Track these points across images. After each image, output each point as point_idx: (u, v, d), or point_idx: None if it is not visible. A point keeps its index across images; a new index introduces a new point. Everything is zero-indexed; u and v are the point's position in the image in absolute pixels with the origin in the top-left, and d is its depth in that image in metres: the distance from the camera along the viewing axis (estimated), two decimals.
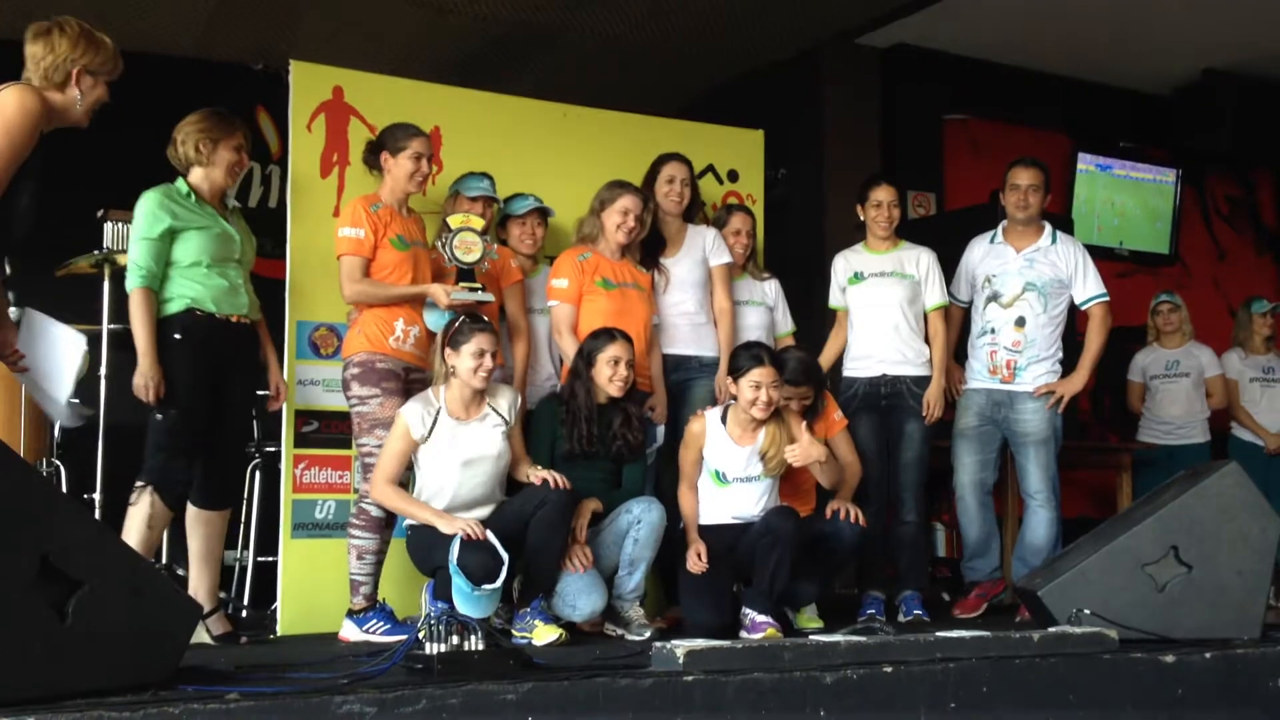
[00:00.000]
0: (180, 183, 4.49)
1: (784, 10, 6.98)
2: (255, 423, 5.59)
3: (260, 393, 4.81)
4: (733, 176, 6.07)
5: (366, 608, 4.55)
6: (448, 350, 4.50)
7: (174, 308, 4.38)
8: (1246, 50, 7.72)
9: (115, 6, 6.60)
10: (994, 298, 5.45)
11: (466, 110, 5.54)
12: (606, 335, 4.79)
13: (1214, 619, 4.04)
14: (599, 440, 4.79)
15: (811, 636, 3.51)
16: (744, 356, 4.78)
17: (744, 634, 4.50)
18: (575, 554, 4.58)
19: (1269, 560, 4.23)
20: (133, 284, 4.34)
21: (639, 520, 4.70)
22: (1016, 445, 5.41)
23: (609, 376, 4.74)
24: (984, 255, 5.58)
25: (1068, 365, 5.44)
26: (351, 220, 4.67)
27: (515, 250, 5.20)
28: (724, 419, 4.83)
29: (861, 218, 5.55)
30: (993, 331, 5.42)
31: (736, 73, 7.86)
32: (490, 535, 4.32)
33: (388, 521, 4.64)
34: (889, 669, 3.23)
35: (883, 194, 5.46)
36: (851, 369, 5.50)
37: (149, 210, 4.37)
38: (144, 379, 4.28)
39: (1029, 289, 5.40)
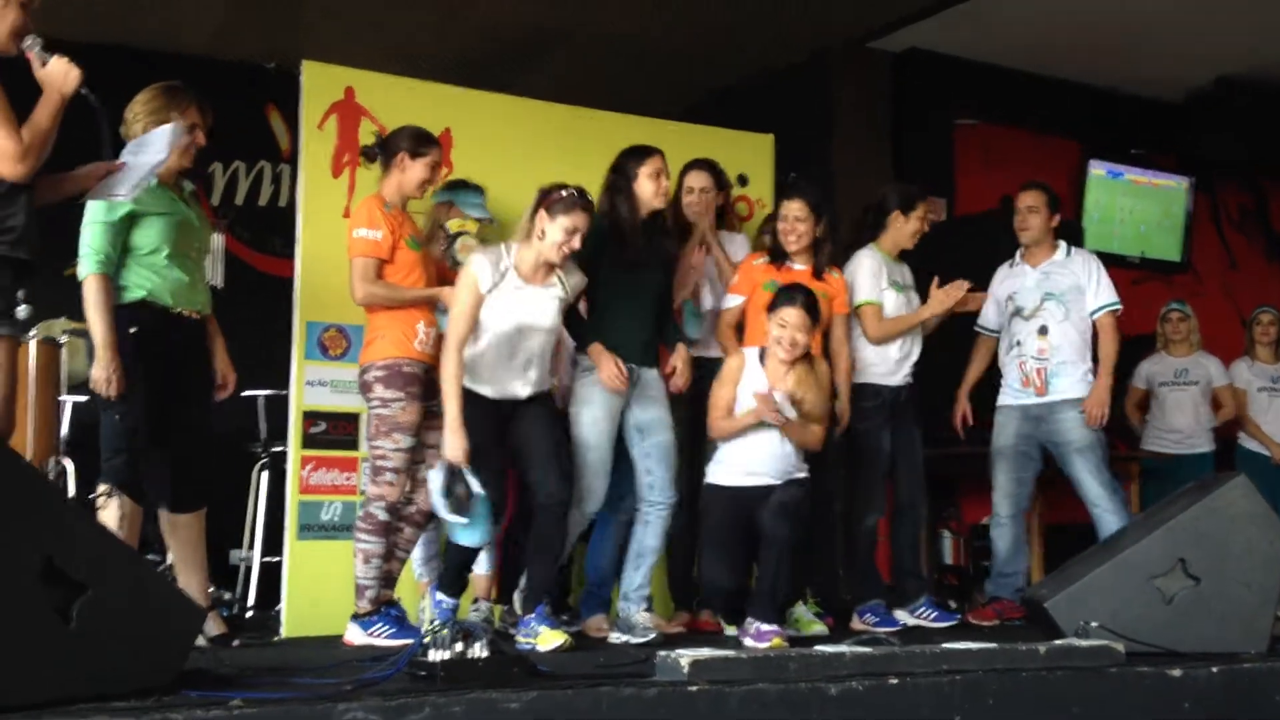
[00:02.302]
0: None
1: (795, 13, 6.96)
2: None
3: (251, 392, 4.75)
4: (742, 180, 6.07)
5: (372, 611, 4.54)
6: (543, 213, 4.40)
7: (129, 298, 4.22)
8: (1260, 58, 7.69)
9: (129, 5, 6.61)
10: (1016, 313, 5.53)
11: (477, 111, 5.55)
12: (645, 149, 4.80)
13: (1221, 632, 4.01)
14: (646, 250, 4.79)
15: (817, 647, 3.49)
16: (782, 295, 4.79)
17: (749, 641, 4.49)
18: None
19: (1277, 573, 4.21)
20: (87, 270, 4.15)
21: (659, 503, 4.72)
22: (1062, 457, 5.41)
23: (654, 191, 4.77)
24: (1004, 278, 5.68)
25: None
26: (369, 221, 4.60)
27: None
28: (762, 358, 4.80)
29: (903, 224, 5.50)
30: (1019, 344, 5.50)
31: (747, 76, 7.85)
32: (468, 473, 4.26)
33: (396, 525, 4.64)
34: (895, 680, 3.21)
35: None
36: (877, 377, 5.43)
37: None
38: (104, 372, 4.08)
39: (1048, 299, 5.47)
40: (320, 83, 5.25)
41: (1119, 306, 5.48)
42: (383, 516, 4.56)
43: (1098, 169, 8.38)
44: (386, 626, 4.51)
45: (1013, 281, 5.62)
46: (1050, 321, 5.43)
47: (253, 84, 7.27)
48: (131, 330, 4.18)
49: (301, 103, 5.22)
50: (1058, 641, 3.71)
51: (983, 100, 8.01)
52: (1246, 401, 7.04)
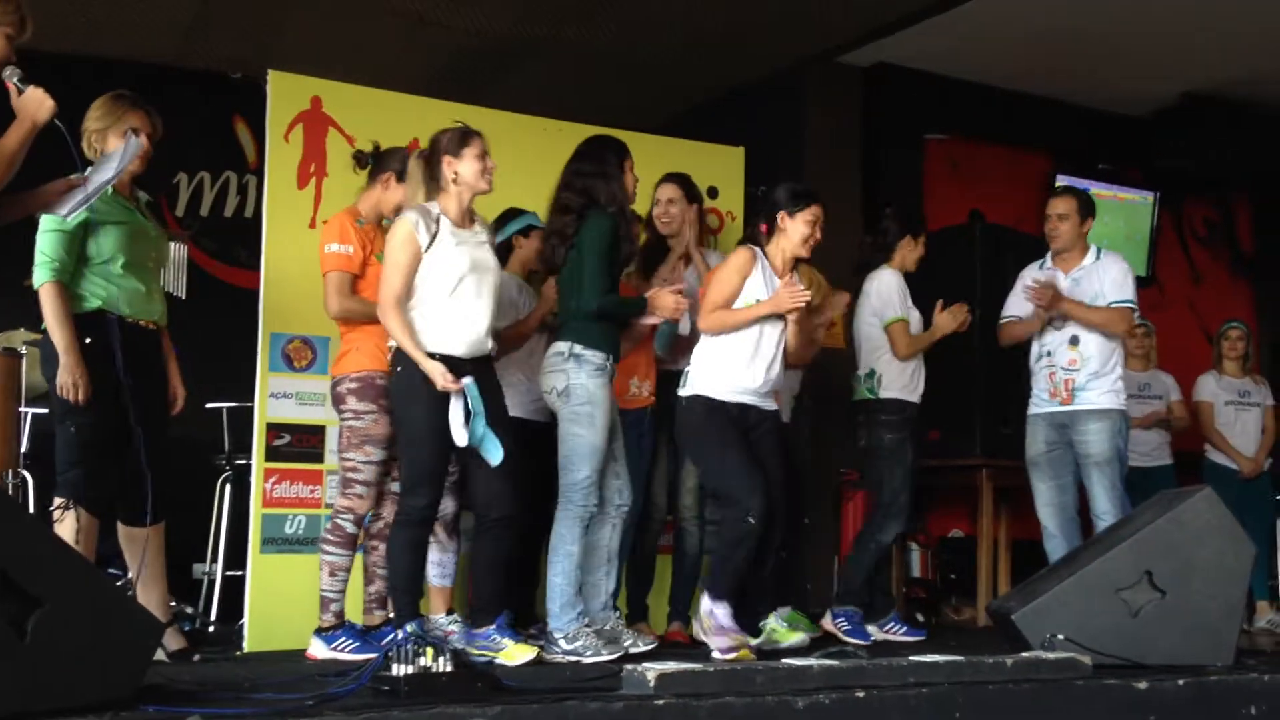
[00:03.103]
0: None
1: (766, 27, 6.98)
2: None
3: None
4: (713, 193, 6.06)
5: (335, 625, 4.50)
6: (445, 159, 4.33)
7: (84, 308, 4.17)
8: (1225, 74, 7.75)
9: (95, 13, 6.56)
10: (1048, 321, 5.46)
11: (446, 123, 5.47)
12: (623, 145, 4.74)
13: (1188, 645, 4.03)
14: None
15: (785, 660, 3.48)
16: (800, 191, 4.79)
17: (710, 639, 4.44)
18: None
19: (1243, 586, 4.23)
20: (42, 278, 4.10)
21: (625, 505, 4.67)
22: (1082, 468, 5.38)
23: (633, 187, 4.75)
24: (1034, 279, 5.56)
25: None
26: (340, 236, 4.61)
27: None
28: (764, 255, 4.76)
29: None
30: (1049, 354, 5.46)
31: (718, 89, 7.85)
32: (467, 382, 4.22)
33: (370, 545, 4.60)
34: (861, 693, 3.20)
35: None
36: (901, 392, 5.48)
37: None
38: (70, 376, 4.04)
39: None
40: (287, 93, 5.22)
41: (1133, 304, 5.43)
42: (350, 529, 4.54)
43: (1065, 183, 8.42)
44: (350, 641, 4.47)
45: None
46: (1081, 331, 5.39)
47: (219, 94, 7.22)
48: (87, 341, 4.13)
49: (268, 113, 5.18)
50: (1025, 654, 3.72)
51: (951, 114, 8.04)
52: (1213, 415, 7.08)
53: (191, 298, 6.67)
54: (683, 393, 4.68)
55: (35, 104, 3.55)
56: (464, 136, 4.37)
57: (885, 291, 5.46)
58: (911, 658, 3.48)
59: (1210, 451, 7.11)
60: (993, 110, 8.10)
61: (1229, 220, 9.32)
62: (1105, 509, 5.28)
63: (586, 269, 4.52)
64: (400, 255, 4.25)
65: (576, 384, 4.48)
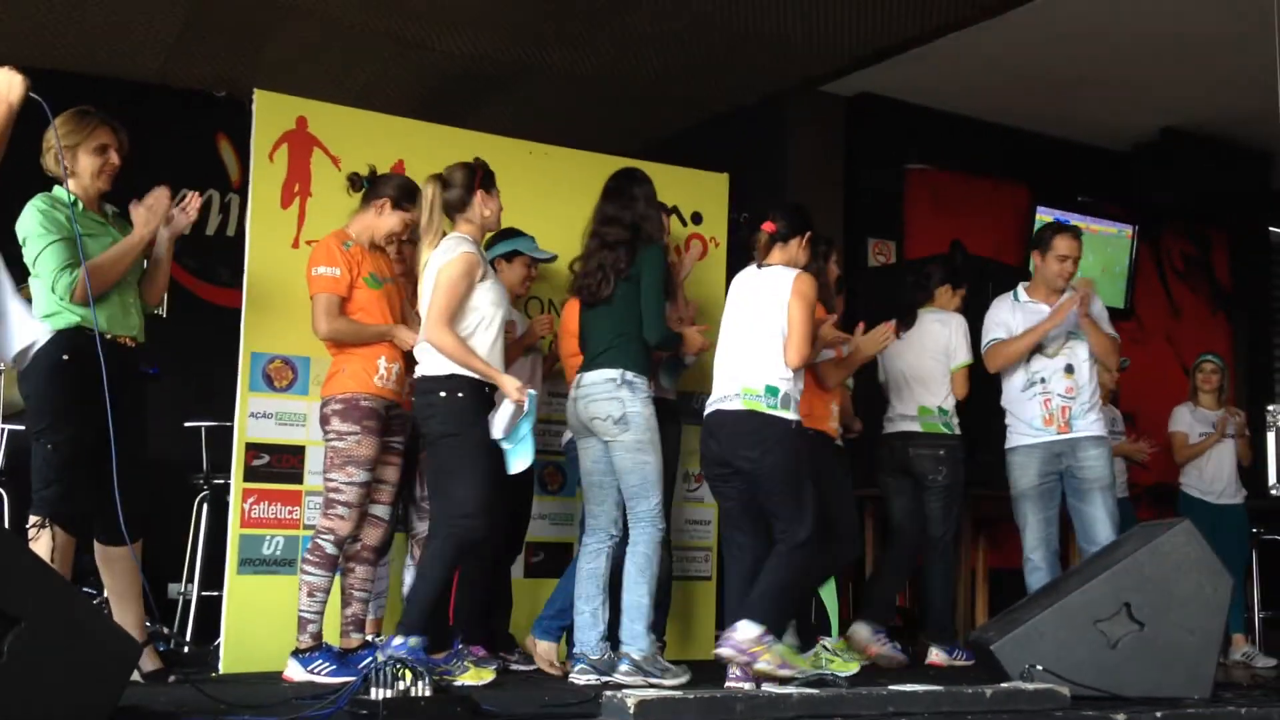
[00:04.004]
0: (59, 190, 4.24)
1: (750, 57, 7.02)
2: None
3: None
4: (696, 219, 6.08)
5: (313, 647, 4.47)
6: (480, 195, 4.55)
7: (60, 324, 4.14)
8: (1204, 110, 7.83)
9: (81, 29, 6.55)
10: (1038, 349, 5.44)
11: (431, 145, 5.51)
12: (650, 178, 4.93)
13: (1165, 677, 4.04)
14: None
15: (766, 687, 3.47)
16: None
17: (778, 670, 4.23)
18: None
19: (1221, 619, 4.24)
20: (68, 283, 4.09)
21: (618, 534, 4.73)
22: (1081, 493, 5.34)
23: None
24: (1014, 311, 5.59)
25: None
26: (326, 259, 4.63)
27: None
28: None
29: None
30: (1043, 381, 5.41)
31: (703, 115, 7.89)
32: (531, 393, 4.44)
33: (346, 566, 4.60)
34: None
35: None
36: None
37: (39, 221, 4.12)
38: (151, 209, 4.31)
39: (1072, 337, 5.44)
40: (272, 112, 5.21)
41: (1117, 338, 5.54)
42: (331, 550, 4.52)
43: (1045, 215, 8.48)
44: (326, 663, 4.44)
45: (1031, 318, 5.50)
46: (1075, 361, 5.40)
47: (203, 112, 7.21)
48: (64, 357, 4.09)
49: (253, 132, 5.17)
50: (1004, 684, 3.72)
51: (933, 145, 8.09)
52: (1185, 445, 7.12)
53: (172, 316, 6.65)
54: (788, 415, 4.53)
55: (4, 87, 3.47)
56: (492, 176, 4.58)
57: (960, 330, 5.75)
58: (891, 687, 3.48)
59: (1185, 484, 7.14)
60: (974, 142, 8.16)
61: (1207, 254, 9.40)
62: (1107, 536, 5.25)
63: (651, 300, 4.64)
64: (461, 285, 4.39)
65: (634, 412, 4.57)
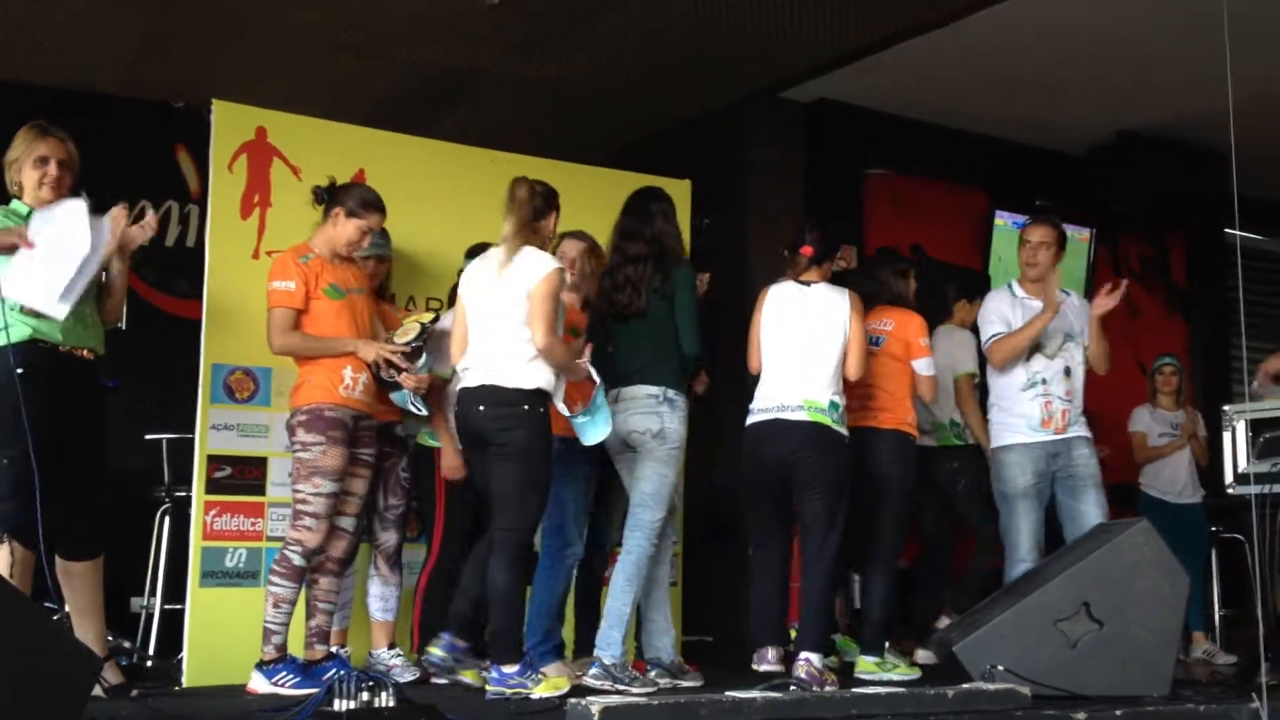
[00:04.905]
0: (17, 204, 4.27)
1: (710, 64, 7.04)
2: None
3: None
4: None
5: (277, 659, 4.45)
6: (553, 216, 4.69)
7: (15, 336, 4.10)
8: (1160, 113, 7.90)
9: (37, 40, 6.50)
10: (1038, 349, 5.41)
11: (392, 154, 5.52)
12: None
13: (1125, 676, 4.09)
14: None
15: (728, 692, 3.49)
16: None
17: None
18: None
19: (1179, 617, 4.29)
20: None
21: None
22: (1075, 491, 5.31)
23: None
24: (1011, 306, 5.53)
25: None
26: (281, 273, 4.62)
27: None
28: None
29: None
30: (1044, 382, 5.38)
31: (663, 123, 7.90)
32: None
33: (311, 577, 4.59)
34: None
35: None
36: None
37: None
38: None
39: (1069, 339, 5.44)
40: (231, 122, 5.20)
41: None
42: (298, 562, 4.51)
43: (1003, 219, 8.54)
44: (291, 675, 4.42)
45: (1026, 313, 5.46)
46: (1072, 364, 5.41)
47: (161, 122, 7.16)
48: (19, 371, 4.05)
49: (211, 142, 5.15)
50: (965, 685, 3.76)
51: (892, 150, 8.14)
52: (1145, 445, 7.20)
53: (132, 328, 6.59)
54: (845, 431, 4.98)
55: None
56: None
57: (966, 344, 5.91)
58: (854, 689, 3.50)
59: (1145, 484, 7.22)
60: (932, 147, 8.21)
61: (1164, 256, 9.48)
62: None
63: (690, 317, 4.87)
64: (557, 299, 4.49)
65: (671, 428, 4.76)
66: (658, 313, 4.83)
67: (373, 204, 4.71)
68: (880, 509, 5.32)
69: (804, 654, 4.73)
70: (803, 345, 4.99)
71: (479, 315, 4.53)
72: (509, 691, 4.24)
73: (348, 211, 4.69)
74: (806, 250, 5.13)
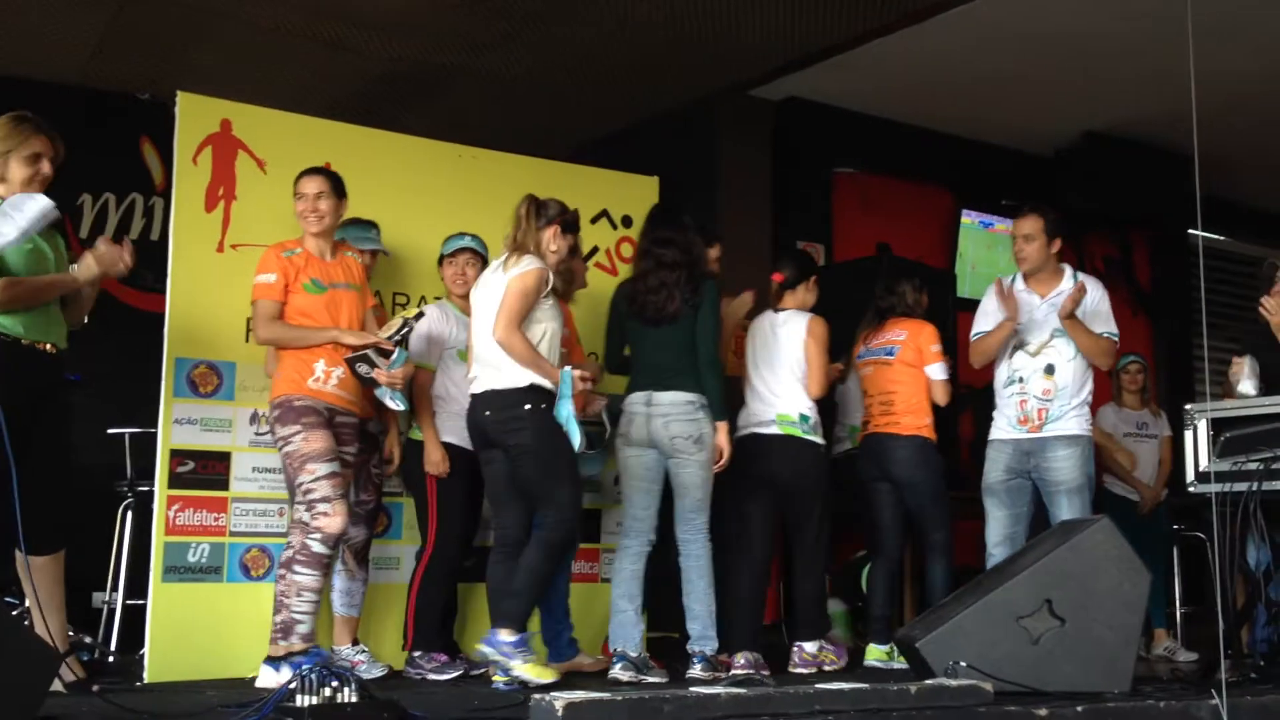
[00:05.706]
0: None
1: (680, 61, 7.05)
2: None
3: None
4: (626, 222, 6.09)
5: (303, 650, 4.34)
6: (554, 230, 4.77)
7: None
8: (1125, 115, 7.98)
9: (2, 30, 6.44)
10: (1020, 345, 5.36)
11: (359, 148, 5.48)
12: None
13: (1086, 672, 4.11)
14: None
15: (693, 688, 3.49)
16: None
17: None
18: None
19: (1139, 614, 4.32)
20: None
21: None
22: (1048, 495, 5.26)
23: None
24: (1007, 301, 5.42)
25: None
26: (263, 266, 4.65)
27: (449, 291, 5.26)
28: None
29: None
30: (1021, 380, 5.32)
31: (633, 120, 7.91)
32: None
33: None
34: None
35: None
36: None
37: None
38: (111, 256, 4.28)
39: (1056, 335, 5.30)
40: (196, 114, 5.14)
41: (1116, 337, 5.40)
42: (319, 549, 4.42)
43: (969, 218, 8.60)
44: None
45: (1026, 307, 5.38)
46: (1058, 360, 5.28)
47: (125, 114, 7.10)
48: None
49: (176, 134, 5.11)
50: (928, 681, 3.77)
51: (860, 149, 8.18)
52: (1112, 446, 7.24)
53: (95, 322, 6.53)
54: (818, 440, 5.45)
55: None
56: (575, 224, 4.92)
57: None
58: (818, 685, 3.52)
59: (1109, 482, 7.27)
60: (900, 146, 8.26)
61: (1127, 256, 9.56)
62: None
63: (712, 332, 5.05)
64: (532, 297, 4.62)
65: (707, 434, 4.95)
66: (688, 320, 4.97)
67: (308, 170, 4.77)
68: (894, 508, 5.70)
69: (798, 643, 5.33)
70: (773, 368, 5.44)
71: (479, 320, 4.72)
72: (495, 655, 4.38)
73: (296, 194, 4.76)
74: (777, 277, 5.58)
